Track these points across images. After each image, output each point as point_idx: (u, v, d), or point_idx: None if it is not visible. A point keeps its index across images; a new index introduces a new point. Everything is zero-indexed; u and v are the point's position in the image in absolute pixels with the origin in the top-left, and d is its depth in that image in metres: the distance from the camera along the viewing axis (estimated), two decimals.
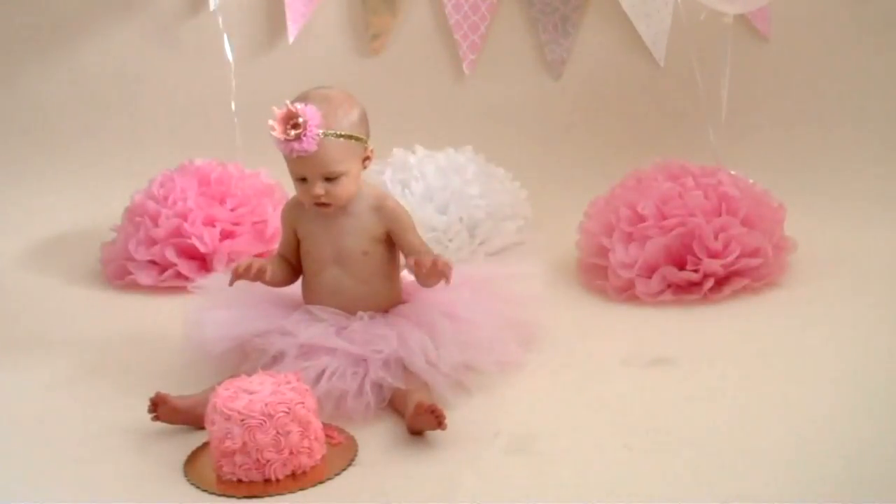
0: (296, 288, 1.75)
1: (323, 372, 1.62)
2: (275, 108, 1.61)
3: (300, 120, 1.59)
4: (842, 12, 2.61)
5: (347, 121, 1.64)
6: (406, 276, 1.79)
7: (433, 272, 1.61)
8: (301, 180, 1.66)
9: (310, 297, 1.73)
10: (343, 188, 1.65)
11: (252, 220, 2.22)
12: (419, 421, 1.54)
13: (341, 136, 1.63)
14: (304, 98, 1.64)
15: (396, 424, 1.60)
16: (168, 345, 1.83)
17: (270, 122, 1.60)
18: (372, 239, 1.69)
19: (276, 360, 1.65)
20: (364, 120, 1.68)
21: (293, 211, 1.73)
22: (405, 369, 1.63)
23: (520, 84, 2.75)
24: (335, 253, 1.70)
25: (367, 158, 1.69)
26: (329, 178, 1.64)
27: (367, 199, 1.70)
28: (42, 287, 2.22)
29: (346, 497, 1.44)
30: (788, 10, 2.58)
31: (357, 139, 1.65)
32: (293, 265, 1.74)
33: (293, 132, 1.59)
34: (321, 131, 1.60)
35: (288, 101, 1.61)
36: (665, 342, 1.82)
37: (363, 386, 1.61)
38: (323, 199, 1.65)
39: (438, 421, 1.51)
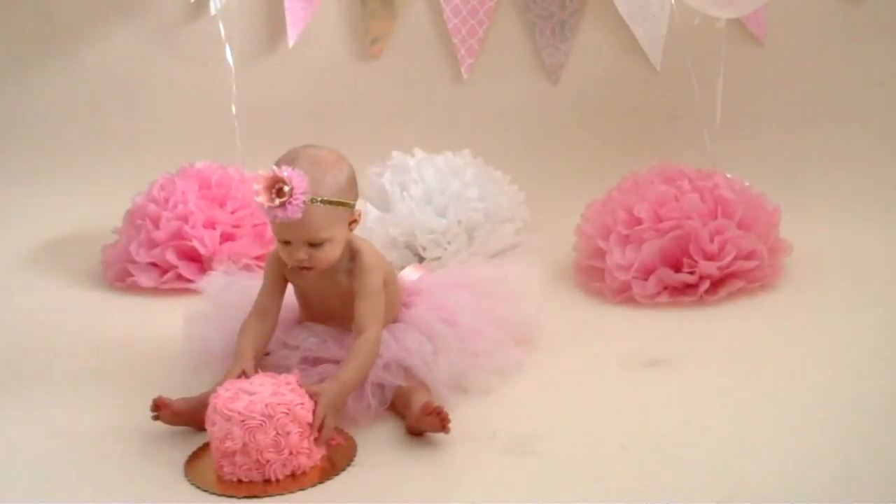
0: (292, 300, 1.74)
1: (323, 378, 1.61)
2: (260, 172, 1.55)
3: (286, 187, 1.52)
4: (835, 16, 2.62)
5: (336, 185, 1.57)
6: (404, 277, 1.81)
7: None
8: (284, 242, 1.59)
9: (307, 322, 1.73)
10: (327, 254, 1.59)
11: (252, 223, 2.22)
12: (424, 422, 1.54)
13: (328, 202, 1.56)
14: (292, 159, 1.57)
15: (395, 426, 1.60)
16: (169, 346, 1.84)
17: (255, 186, 1.54)
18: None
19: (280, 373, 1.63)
20: (352, 182, 1.61)
21: (281, 263, 1.65)
22: (405, 370, 1.63)
23: (517, 88, 2.75)
24: (326, 312, 1.69)
25: (353, 221, 1.63)
26: (313, 244, 1.58)
27: (344, 262, 1.64)
28: (44, 289, 2.23)
29: (345, 497, 1.45)
30: (783, 14, 2.59)
31: (344, 205, 1.59)
32: (274, 316, 1.68)
33: (278, 200, 1.52)
34: (307, 198, 1.54)
35: (274, 166, 1.54)
36: (661, 343, 1.82)
37: (364, 388, 1.61)
38: (306, 264, 1.59)
39: (443, 424, 1.52)
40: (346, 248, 1.64)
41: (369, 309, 1.62)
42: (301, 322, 1.74)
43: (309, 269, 1.61)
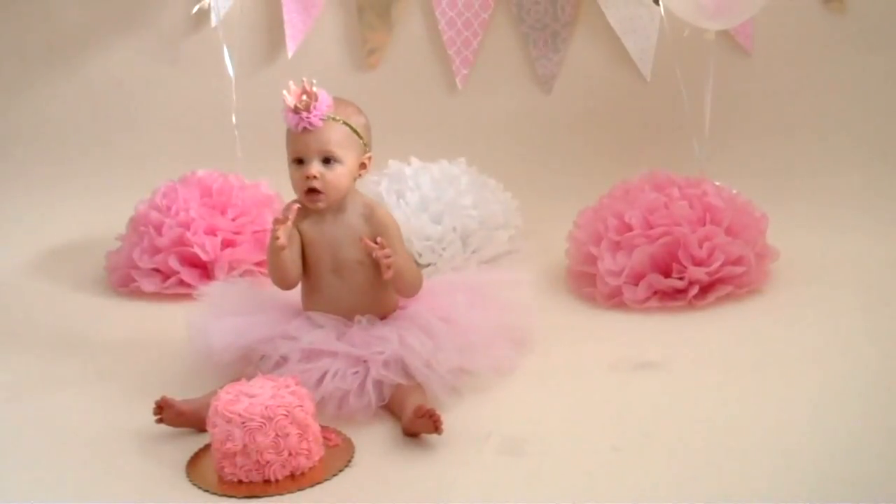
0: (295, 295, 1.77)
1: (324, 374, 1.64)
2: (291, 83, 1.65)
3: (314, 90, 1.64)
4: (821, 27, 2.64)
5: (356, 118, 1.70)
6: None
7: (380, 258, 1.65)
8: (297, 162, 1.68)
9: (309, 304, 1.75)
10: (337, 176, 1.67)
11: (252, 230, 2.24)
12: (417, 424, 1.56)
13: (346, 124, 1.68)
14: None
15: (392, 427, 1.62)
16: (171, 349, 1.86)
17: (284, 92, 1.65)
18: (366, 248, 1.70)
19: (279, 364, 1.66)
20: (369, 130, 1.73)
21: (298, 215, 1.71)
22: (404, 368, 1.66)
23: (511, 98, 2.76)
24: (332, 262, 1.71)
25: (363, 165, 1.72)
26: (326, 161, 1.66)
27: (359, 207, 1.72)
28: (49, 294, 2.24)
29: (343, 497, 1.46)
30: (770, 25, 2.60)
31: (360, 136, 1.70)
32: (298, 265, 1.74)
33: (305, 99, 1.63)
34: (329, 114, 1.66)
35: (305, 78, 1.66)
36: (651, 347, 1.84)
37: (364, 385, 1.64)
38: (316, 185, 1.66)
39: (436, 425, 1.54)
40: (359, 199, 1.73)
41: (403, 248, 1.72)
42: (303, 311, 1.75)
43: (318, 195, 1.67)
